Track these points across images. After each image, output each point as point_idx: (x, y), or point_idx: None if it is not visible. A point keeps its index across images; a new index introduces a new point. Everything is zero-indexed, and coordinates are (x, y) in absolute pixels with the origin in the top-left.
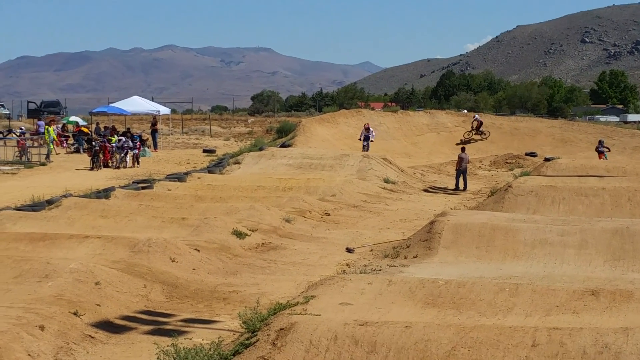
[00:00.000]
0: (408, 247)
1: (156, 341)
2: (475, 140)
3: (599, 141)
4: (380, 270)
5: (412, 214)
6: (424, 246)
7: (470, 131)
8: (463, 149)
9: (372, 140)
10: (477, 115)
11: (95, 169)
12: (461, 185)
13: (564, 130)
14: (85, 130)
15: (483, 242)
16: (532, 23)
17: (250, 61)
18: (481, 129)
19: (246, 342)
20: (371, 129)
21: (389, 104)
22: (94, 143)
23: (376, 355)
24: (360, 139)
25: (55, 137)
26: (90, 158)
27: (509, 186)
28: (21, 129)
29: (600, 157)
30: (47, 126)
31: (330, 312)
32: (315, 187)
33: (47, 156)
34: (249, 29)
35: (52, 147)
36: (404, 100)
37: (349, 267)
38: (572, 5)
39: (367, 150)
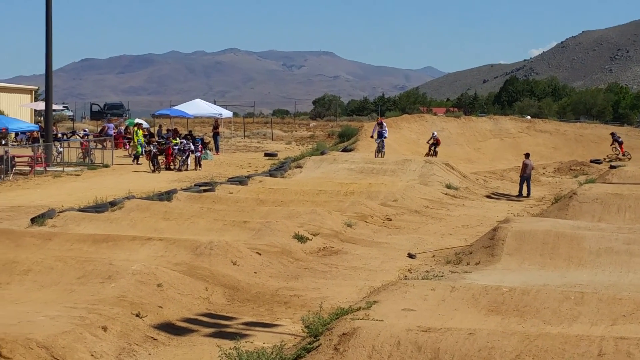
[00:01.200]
0: (470, 253)
1: (218, 344)
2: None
3: (612, 134)
4: (442, 276)
5: (474, 220)
6: (487, 253)
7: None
8: (527, 155)
9: (385, 137)
10: (435, 133)
11: (156, 171)
12: (524, 192)
13: (630, 138)
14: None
15: (547, 249)
16: (598, 29)
17: (312, 65)
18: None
19: (308, 346)
20: (384, 124)
21: (452, 109)
22: (151, 146)
23: None
24: (372, 136)
25: (143, 140)
26: (149, 161)
27: (574, 193)
28: (85, 130)
29: (622, 149)
30: (135, 128)
31: (392, 318)
32: (377, 192)
33: (136, 158)
34: (312, 33)
35: (139, 149)
36: (467, 105)
37: (411, 272)
38: (639, 10)
39: (382, 149)
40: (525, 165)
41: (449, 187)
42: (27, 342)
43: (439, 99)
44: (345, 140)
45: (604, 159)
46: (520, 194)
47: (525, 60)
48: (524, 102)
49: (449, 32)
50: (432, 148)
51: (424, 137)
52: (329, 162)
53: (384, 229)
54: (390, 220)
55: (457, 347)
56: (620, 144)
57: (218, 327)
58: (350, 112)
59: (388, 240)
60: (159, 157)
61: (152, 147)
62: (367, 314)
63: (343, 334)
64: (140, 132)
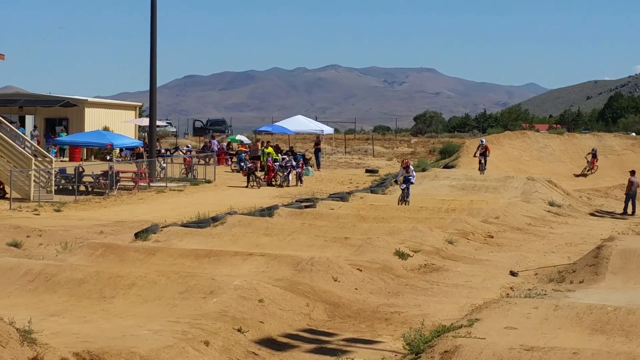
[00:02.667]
0: (574, 271)
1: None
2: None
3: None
4: (545, 294)
5: (577, 238)
6: (591, 271)
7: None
8: (633, 173)
9: (412, 183)
10: (483, 141)
11: (251, 187)
12: (630, 210)
13: None
14: (243, 148)
15: None
16: None
17: (413, 81)
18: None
19: None
20: (411, 167)
21: (554, 125)
22: (243, 163)
23: None
24: (396, 181)
25: (264, 159)
26: (245, 177)
27: None
28: (187, 146)
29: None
30: (262, 147)
31: (494, 336)
32: (479, 209)
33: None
34: (413, 50)
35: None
36: (570, 122)
37: (513, 290)
38: None
39: (407, 195)
40: (630, 183)
41: (551, 204)
42: (131, 355)
43: (542, 116)
44: (447, 156)
45: None
46: (625, 212)
47: (630, 76)
48: (629, 118)
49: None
50: (482, 159)
51: (526, 154)
52: (430, 178)
53: (485, 246)
54: (492, 237)
55: None
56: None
57: (319, 342)
58: (451, 129)
59: (490, 258)
60: (260, 174)
61: (246, 163)
62: (469, 331)
63: (445, 351)
64: (269, 150)
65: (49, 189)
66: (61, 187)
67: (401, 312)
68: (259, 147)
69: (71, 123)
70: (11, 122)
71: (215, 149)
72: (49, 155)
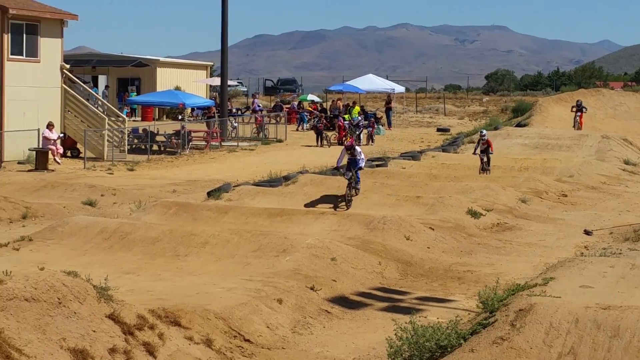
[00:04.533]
0: None
1: (392, 318)
2: None
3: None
4: (620, 253)
5: None
6: None
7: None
8: None
9: (361, 168)
10: (483, 133)
11: (320, 146)
12: None
13: None
14: (310, 108)
15: None
16: None
17: (485, 39)
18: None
19: (484, 322)
20: (358, 149)
21: (629, 83)
22: (312, 121)
23: (619, 340)
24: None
25: (348, 116)
26: (316, 136)
27: None
28: (258, 106)
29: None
30: (350, 106)
31: (570, 295)
32: (552, 168)
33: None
34: (485, 7)
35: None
36: None
37: (588, 249)
38: None
39: (487, 164)
40: None
41: (627, 162)
42: (205, 313)
43: (616, 73)
44: (519, 115)
45: None
46: None
47: None
48: None
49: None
50: (483, 157)
51: (600, 112)
52: (502, 137)
53: (559, 205)
54: (566, 196)
55: (638, 326)
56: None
57: (391, 301)
58: (523, 87)
59: (563, 217)
60: (331, 133)
61: (315, 122)
62: (543, 290)
63: (520, 310)
64: (356, 109)
65: (122, 149)
66: (134, 146)
67: (474, 270)
68: (338, 105)
69: (143, 83)
70: (84, 83)
71: (257, 108)
72: (122, 115)
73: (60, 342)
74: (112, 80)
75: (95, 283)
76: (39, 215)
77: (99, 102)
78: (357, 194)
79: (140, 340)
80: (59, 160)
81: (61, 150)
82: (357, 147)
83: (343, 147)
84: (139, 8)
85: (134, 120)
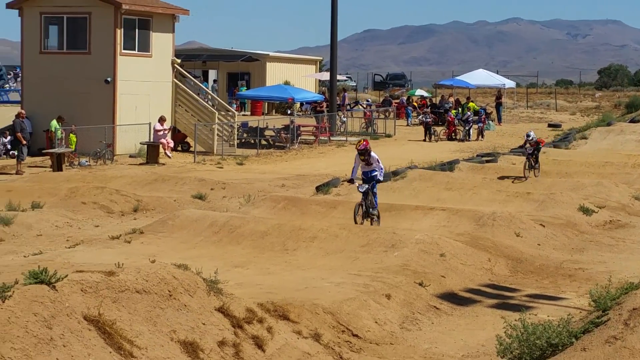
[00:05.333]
0: None
1: (502, 315)
2: None
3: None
4: None
5: None
6: None
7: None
8: None
9: (379, 181)
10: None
11: (428, 141)
12: None
13: None
14: (415, 104)
15: None
16: None
17: (597, 34)
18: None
19: (596, 320)
20: (374, 155)
21: None
22: (421, 117)
23: None
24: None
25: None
26: (424, 131)
27: None
28: (367, 100)
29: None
30: (464, 102)
31: None
32: None
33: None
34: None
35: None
36: None
37: None
38: None
39: (536, 165)
40: None
41: None
42: (314, 307)
43: None
44: (633, 110)
45: None
46: None
47: None
48: None
49: None
50: (530, 158)
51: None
52: (615, 133)
53: None
54: None
55: None
56: None
57: (501, 298)
58: (637, 82)
59: None
60: (440, 128)
61: (424, 117)
62: None
63: (634, 309)
64: (471, 104)
65: (231, 143)
66: (243, 140)
67: (585, 268)
68: (450, 100)
69: (253, 77)
70: (195, 77)
71: (344, 102)
72: (232, 109)
73: (170, 334)
74: (222, 74)
75: (205, 276)
76: (149, 208)
77: (209, 97)
78: (373, 224)
79: (249, 334)
80: (169, 154)
81: (172, 144)
82: (372, 153)
83: (356, 153)
84: (250, 3)
85: (243, 115)
